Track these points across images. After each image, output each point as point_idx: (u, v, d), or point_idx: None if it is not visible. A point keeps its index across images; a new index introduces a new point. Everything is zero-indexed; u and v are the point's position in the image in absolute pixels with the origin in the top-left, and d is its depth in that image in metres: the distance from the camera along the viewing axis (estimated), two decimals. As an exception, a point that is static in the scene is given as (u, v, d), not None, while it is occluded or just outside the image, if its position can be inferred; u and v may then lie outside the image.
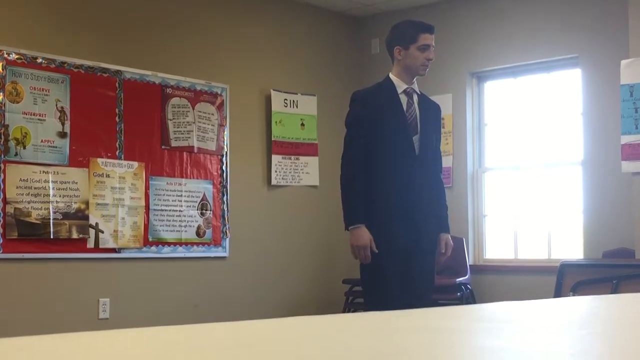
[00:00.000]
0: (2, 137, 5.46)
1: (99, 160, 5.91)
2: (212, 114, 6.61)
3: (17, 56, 5.56)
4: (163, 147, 6.29)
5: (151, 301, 6.16)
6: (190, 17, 6.60)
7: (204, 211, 6.49)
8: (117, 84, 6.05)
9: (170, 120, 6.35)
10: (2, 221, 5.42)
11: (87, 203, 5.81)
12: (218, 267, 6.61)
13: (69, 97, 5.78)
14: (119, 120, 6.03)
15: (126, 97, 6.08)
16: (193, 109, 6.48)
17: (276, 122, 7.07)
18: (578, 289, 5.32)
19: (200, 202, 6.47)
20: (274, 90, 7.08)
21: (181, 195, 6.36)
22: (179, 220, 6.33)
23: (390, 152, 3.87)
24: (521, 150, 7.02)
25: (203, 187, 6.51)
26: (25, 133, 5.57)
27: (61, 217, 5.67)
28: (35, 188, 5.56)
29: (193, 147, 6.45)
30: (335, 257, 7.37)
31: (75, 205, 5.75)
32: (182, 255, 6.35)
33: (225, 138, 6.69)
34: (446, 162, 6.57)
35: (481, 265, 7.03)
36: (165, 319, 6.04)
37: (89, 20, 6.02)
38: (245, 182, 6.83)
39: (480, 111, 7.26)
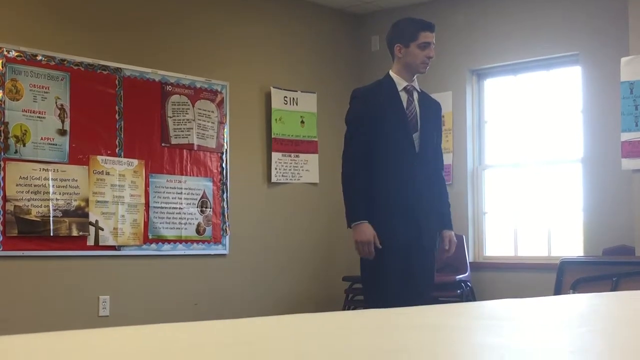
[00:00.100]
0: (2, 134, 5.45)
1: (99, 157, 5.91)
2: (212, 112, 6.61)
3: (16, 53, 5.55)
4: (163, 144, 6.28)
5: (151, 299, 6.17)
6: (190, 15, 6.60)
7: (204, 209, 6.49)
8: (117, 82, 6.05)
9: (170, 117, 6.34)
10: (2, 219, 5.42)
11: (87, 200, 5.81)
12: (218, 264, 6.61)
13: (68, 95, 5.78)
14: (118, 117, 6.03)
15: (126, 94, 6.08)
16: (193, 106, 6.48)
17: (276, 119, 7.07)
18: (578, 287, 5.32)
19: (200, 199, 6.47)
20: (273, 87, 7.07)
21: (181, 193, 6.36)
22: (179, 218, 6.33)
23: (390, 150, 3.87)
24: (521, 148, 7.02)
25: (203, 185, 6.51)
26: (25, 130, 5.56)
27: (61, 214, 5.67)
28: (35, 186, 5.56)
29: (193, 144, 6.45)
30: (335, 254, 7.37)
31: (75, 203, 5.75)
32: (182, 252, 6.35)
33: (225, 135, 6.68)
34: (446, 159, 6.56)
35: (481, 262, 7.04)
36: (165, 317, 6.04)
37: (89, 18, 6.01)
38: (245, 179, 6.83)
39: (480, 109, 7.26)
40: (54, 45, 5.76)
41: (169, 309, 6.22)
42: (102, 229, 5.88)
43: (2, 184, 5.43)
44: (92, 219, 5.84)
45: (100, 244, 5.87)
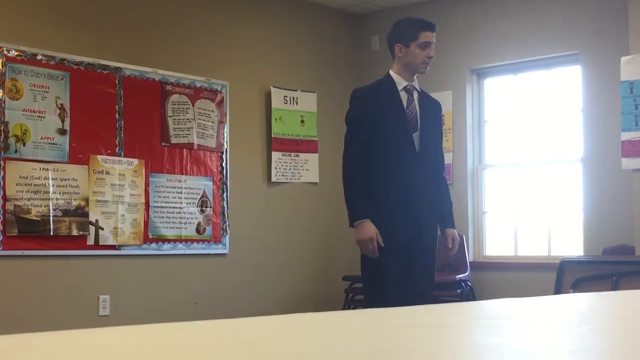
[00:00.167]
0: (2, 134, 5.45)
1: (99, 157, 5.91)
2: (212, 111, 6.61)
3: (16, 53, 5.55)
4: (163, 144, 6.28)
5: (151, 298, 6.17)
6: (190, 14, 6.60)
7: (204, 208, 6.49)
8: (117, 81, 6.05)
9: (170, 117, 6.34)
10: (2, 218, 5.42)
11: (87, 200, 5.81)
12: (218, 264, 6.61)
13: (68, 94, 5.78)
14: (118, 117, 6.03)
15: (126, 94, 6.08)
16: (193, 105, 6.48)
17: (276, 119, 7.07)
18: (578, 286, 5.32)
19: (200, 199, 6.47)
20: (273, 87, 7.07)
21: (181, 192, 6.36)
22: (179, 217, 6.33)
23: (390, 149, 3.87)
24: (521, 147, 7.02)
25: (203, 184, 6.51)
26: (25, 130, 5.56)
27: (61, 214, 5.67)
28: (35, 185, 5.56)
29: (193, 144, 6.45)
30: (335, 254, 7.37)
31: (75, 202, 5.75)
32: (182, 252, 6.36)
33: (225, 135, 6.69)
34: (446, 159, 6.56)
35: (481, 262, 7.04)
36: (165, 316, 6.04)
37: (89, 18, 6.01)
38: (245, 179, 6.83)
39: (480, 108, 7.26)
40: (54, 44, 5.76)
41: (169, 309, 6.22)
42: (102, 229, 5.88)
43: (2, 184, 5.43)
44: (92, 218, 5.84)
45: (100, 243, 5.87)
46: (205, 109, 6.56)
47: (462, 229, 6.88)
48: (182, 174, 6.37)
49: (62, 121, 5.74)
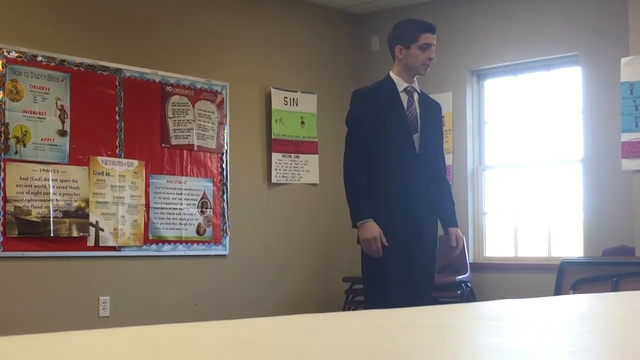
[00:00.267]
0: (2, 135, 5.46)
1: (99, 158, 5.91)
2: (212, 112, 6.61)
3: (17, 54, 5.56)
4: (163, 145, 6.29)
5: (151, 299, 6.17)
6: (190, 15, 6.60)
7: (204, 209, 6.49)
8: (117, 82, 6.05)
9: (170, 118, 6.35)
10: (2, 219, 5.42)
11: (87, 201, 5.81)
12: (218, 265, 6.61)
13: (69, 95, 5.78)
14: (119, 118, 6.03)
15: (126, 95, 6.08)
16: (193, 107, 6.48)
17: (276, 120, 7.07)
18: (578, 287, 5.32)
19: (200, 200, 6.47)
20: (274, 88, 7.08)
21: (181, 194, 6.36)
22: (179, 219, 6.33)
23: (390, 151, 3.88)
24: (521, 148, 7.02)
25: (203, 185, 6.51)
26: (25, 131, 5.57)
27: (61, 215, 5.67)
28: (35, 186, 5.56)
29: (193, 145, 6.45)
30: (335, 255, 7.37)
31: (75, 204, 5.75)
32: (182, 253, 6.36)
33: (225, 136, 6.69)
34: (446, 160, 6.56)
35: (481, 263, 7.04)
36: (165, 317, 6.04)
37: (89, 19, 6.02)
38: (245, 180, 6.83)
39: (481, 109, 7.26)
40: (54, 46, 5.77)
41: (169, 310, 6.22)
42: (103, 230, 5.88)
43: (2, 185, 5.43)
44: (92, 219, 5.84)
45: (101, 244, 5.88)
46: (205, 110, 6.56)
47: (462, 230, 6.85)
48: (182, 175, 6.37)
49: (63, 122, 5.74)
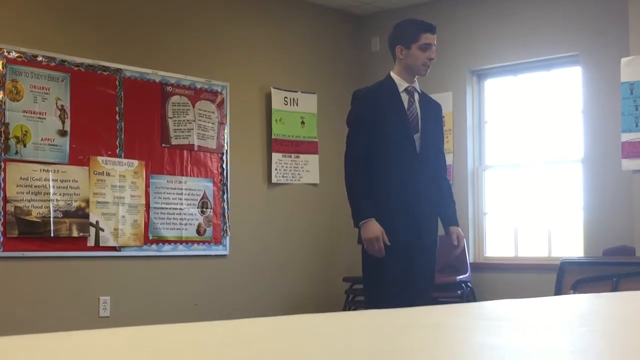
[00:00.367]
0: (3, 135, 5.46)
1: (99, 158, 5.91)
2: (212, 112, 6.61)
3: (17, 54, 5.56)
4: (163, 145, 6.29)
5: (151, 299, 6.17)
6: (190, 15, 6.60)
7: (204, 209, 6.49)
8: (117, 82, 6.05)
9: (171, 118, 6.35)
10: (2, 220, 5.42)
11: (87, 201, 5.81)
12: (218, 265, 6.61)
13: (69, 96, 5.78)
14: (119, 118, 6.03)
15: (126, 95, 6.08)
16: (193, 107, 6.48)
17: (276, 120, 7.07)
18: (578, 287, 5.32)
19: (200, 200, 6.47)
20: (274, 88, 7.08)
21: (181, 194, 6.36)
22: (180, 219, 6.33)
23: (391, 150, 3.88)
24: (521, 148, 7.02)
25: (203, 185, 6.51)
26: (26, 131, 5.57)
27: (61, 215, 5.67)
28: (35, 186, 5.57)
29: (193, 145, 6.45)
30: (336, 255, 7.37)
31: (75, 204, 5.75)
32: (182, 253, 6.36)
33: (226, 136, 6.69)
34: (447, 159, 6.57)
35: (481, 263, 7.04)
36: (165, 317, 6.04)
37: (89, 19, 6.02)
38: (245, 180, 6.83)
39: (481, 109, 7.26)
40: (54, 46, 5.77)
41: (170, 310, 6.22)
42: (103, 230, 5.88)
43: (2, 185, 5.43)
44: (92, 219, 5.84)
45: (101, 244, 5.88)
46: (205, 110, 6.56)
47: (463, 230, 6.79)
48: (182, 175, 6.37)
49: (63, 122, 5.74)
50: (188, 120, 6.44)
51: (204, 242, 6.49)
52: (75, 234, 5.74)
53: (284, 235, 7.07)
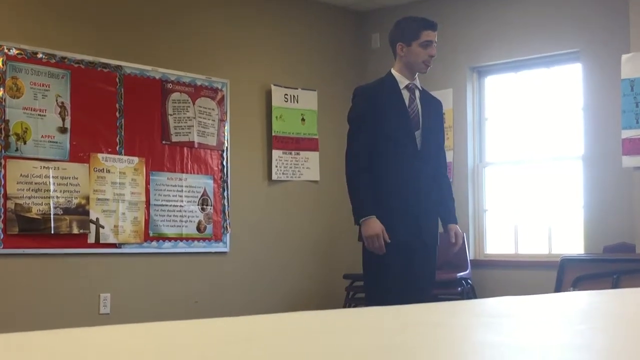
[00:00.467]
0: (3, 132, 5.46)
1: (100, 155, 5.91)
2: (213, 109, 6.61)
3: (17, 51, 5.55)
4: (163, 142, 6.28)
5: (152, 296, 6.17)
6: (190, 13, 6.60)
7: (204, 206, 6.49)
8: (117, 79, 6.05)
9: (171, 115, 6.34)
10: (2, 216, 5.42)
11: (87, 198, 5.81)
12: (219, 262, 6.62)
13: (69, 93, 5.78)
14: (119, 115, 6.03)
15: (126, 92, 6.08)
16: (193, 104, 6.48)
17: (277, 117, 7.07)
18: (578, 284, 5.32)
19: (200, 197, 6.47)
20: (274, 85, 7.07)
21: (182, 191, 6.36)
22: (180, 216, 6.33)
23: (392, 148, 3.89)
24: (522, 145, 7.01)
25: (204, 183, 6.51)
26: (26, 128, 5.56)
27: (62, 212, 5.67)
28: (35, 183, 5.57)
29: (193, 142, 6.45)
30: (336, 252, 7.37)
31: (75, 201, 5.75)
32: (182, 250, 6.36)
33: (226, 133, 6.68)
34: (447, 156, 6.57)
35: (482, 260, 7.04)
36: (165, 314, 6.05)
37: (89, 16, 6.01)
38: (245, 177, 6.83)
39: (481, 106, 7.26)
40: (54, 43, 5.76)
41: (170, 307, 6.22)
42: (103, 227, 5.89)
43: (2, 182, 5.43)
44: (92, 216, 5.84)
45: (101, 241, 5.88)
46: (205, 107, 6.56)
47: (463, 227, 6.85)
48: (182, 172, 6.37)
49: (63, 119, 5.74)
50: (188, 117, 6.43)
51: (204, 239, 6.49)
52: (75, 231, 5.74)
53: (284, 233, 7.07)
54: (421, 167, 3.92)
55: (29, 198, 5.53)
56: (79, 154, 5.80)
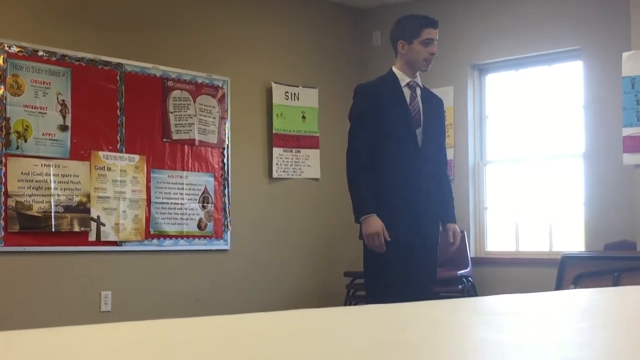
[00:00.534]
0: (4, 130, 5.46)
1: (100, 153, 5.91)
2: (213, 107, 6.61)
3: (18, 49, 5.55)
4: (164, 140, 6.28)
5: (153, 294, 6.17)
6: (191, 10, 6.59)
7: (205, 204, 6.49)
8: (118, 77, 6.05)
9: (172, 113, 6.34)
10: (3, 214, 5.42)
11: (88, 196, 5.81)
12: (219, 260, 6.62)
13: (70, 90, 5.78)
14: (120, 113, 6.03)
15: (127, 90, 6.08)
16: (194, 101, 6.48)
17: (277, 114, 7.07)
18: (579, 282, 5.32)
19: (201, 195, 6.47)
20: (275, 82, 7.07)
21: (182, 188, 6.36)
22: (181, 213, 6.33)
23: (393, 145, 3.89)
24: (523, 143, 7.01)
25: (204, 180, 6.51)
26: (27, 126, 5.56)
27: (62, 210, 5.67)
28: (36, 181, 5.57)
29: (194, 140, 6.45)
30: (337, 249, 7.37)
31: (76, 199, 5.75)
32: (183, 248, 6.36)
33: (227, 131, 6.68)
34: (447, 154, 6.55)
35: (482, 257, 7.04)
36: (166, 312, 6.05)
37: (90, 13, 6.01)
38: (246, 175, 6.83)
39: (482, 103, 7.25)
40: (55, 40, 5.76)
41: (171, 305, 6.22)
42: (104, 225, 5.89)
43: (3, 180, 5.43)
44: (93, 214, 5.84)
45: (102, 239, 5.88)
46: (206, 105, 6.56)
47: (464, 225, 6.88)
48: (183, 170, 6.37)
49: (64, 117, 5.74)
50: (189, 115, 6.43)
51: (205, 236, 6.49)
52: (76, 228, 5.74)
53: (284, 230, 7.07)
54: (422, 165, 3.92)
55: (30, 196, 5.54)
56: (80, 151, 5.80)
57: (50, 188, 5.62)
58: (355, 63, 7.73)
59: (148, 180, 6.16)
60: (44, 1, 5.79)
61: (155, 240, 6.19)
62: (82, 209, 5.78)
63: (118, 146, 6.00)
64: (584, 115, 6.53)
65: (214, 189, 6.56)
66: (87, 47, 5.92)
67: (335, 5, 7.64)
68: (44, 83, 5.66)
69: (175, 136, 6.34)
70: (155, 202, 6.19)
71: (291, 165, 7.15)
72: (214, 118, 6.60)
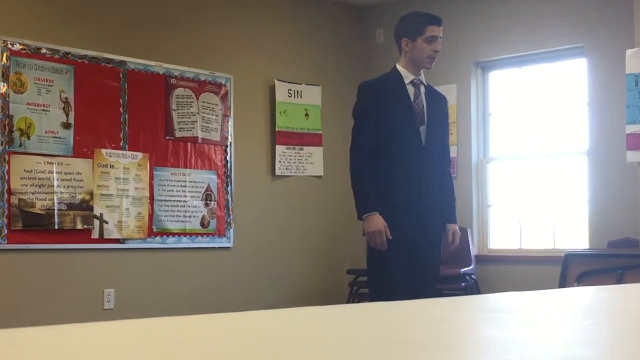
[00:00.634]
0: (7, 127, 5.46)
1: (103, 151, 5.92)
2: (216, 105, 6.61)
3: (21, 47, 5.55)
4: (167, 137, 6.29)
5: (156, 291, 6.18)
6: (194, 8, 6.59)
7: (208, 201, 6.49)
8: (121, 75, 6.05)
9: (175, 110, 6.34)
10: (6, 212, 5.43)
11: (91, 194, 5.82)
12: (222, 257, 6.62)
13: (73, 88, 5.78)
14: (123, 110, 6.03)
15: (130, 87, 6.08)
16: (197, 99, 6.48)
17: (280, 112, 7.07)
18: (583, 279, 5.32)
19: (204, 192, 6.48)
20: (278, 80, 7.07)
21: (185, 186, 6.36)
22: (183, 211, 6.33)
23: (397, 143, 3.88)
24: (526, 140, 7.00)
25: (207, 178, 6.51)
26: (30, 124, 5.57)
27: (65, 207, 5.68)
28: (39, 179, 5.57)
29: (197, 137, 6.45)
30: (340, 247, 7.37)
31: (79, 196, 5.76)
32: (186, 245, 6.36)
33: (230, 128, 6.68)
34: (451, 152, 6.56)
35: (486, 255, 7.03)
36: (169, 309, 6.05)
37: (93, 11, 6.01)
38: (249, 172, 6.83)
39: (485, 101, 7.24)
40: (58, 38, 5.76)
41: (174, 302, 6.23)
42: (107, 222, 5.89)
43: (6, 177, 5.44)
44: (96, 212, 5.84)
45: (105, 237, 5.88)
46: (209, 103, 6.56)
47: (467, 222, 6.87)
48: (186, 167, 6.37)
49: (67, 115, 5.74)
50: (192, 113, 6.43)
51: (207, 234, 6.49)
52: (79, 226, 5.75)
53: (287, 228, 7.07)
54: (425, 163, 3.92)
55: (33, 193, 5.54)
56: (83, 149, 5.80)
57: (53, 186, 5.62)
58: (358, 60, 7.73)
59: (151, 178, 6.16)
60: (47, -1, 5.79)
61: (158, 238, 6.19)
62: (85, 206, 5.78)
63: (121, 144, 6.01)
64: (588, 112, 6.52)
65: (216, 186, 6.56)
66: (90, 44, 5.92)
67: (338, 2, 7.63)
68: (47, 81, 5.66)
69: (178, 134, 6.35)
70: (158, 200, 6.19)
71: (294, 162, 7.15)
72: (217, 115, 6.60)
